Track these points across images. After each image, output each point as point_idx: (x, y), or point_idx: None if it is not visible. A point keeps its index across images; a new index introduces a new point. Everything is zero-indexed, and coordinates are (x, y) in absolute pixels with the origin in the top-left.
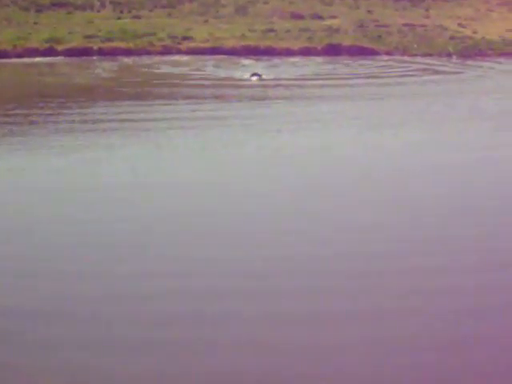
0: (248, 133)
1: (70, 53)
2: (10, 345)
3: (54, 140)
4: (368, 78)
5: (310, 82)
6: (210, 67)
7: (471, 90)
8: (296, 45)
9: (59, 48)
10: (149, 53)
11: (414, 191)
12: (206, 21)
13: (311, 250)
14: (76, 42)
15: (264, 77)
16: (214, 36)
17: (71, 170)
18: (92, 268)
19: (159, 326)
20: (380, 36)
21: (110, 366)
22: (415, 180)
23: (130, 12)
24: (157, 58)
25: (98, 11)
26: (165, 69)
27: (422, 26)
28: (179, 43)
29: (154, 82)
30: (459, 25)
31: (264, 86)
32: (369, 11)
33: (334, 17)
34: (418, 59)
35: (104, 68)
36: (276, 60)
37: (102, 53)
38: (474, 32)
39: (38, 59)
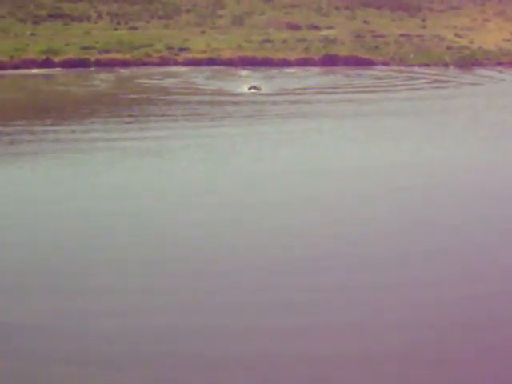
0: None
1: (67, 64)
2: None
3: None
4: (373, 90)
5: (314, 97)
6: (206, 79)
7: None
8: (293, 55)
9: (56, 59)
10: (146, 64)
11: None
12: (203, 32)
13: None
14: (73, 54)
15: (263, 90)
16: (210, 47)
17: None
18: None
19: None
20: (377, 46)
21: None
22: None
23: (126, 23)
24: (154, 70)
25: (95, 22)
26: (160, 81)
27: (419, 36)
28: (176, 54)
29: (148, 96)
30: (456, 35)
31: (263, 102)
32: (365, 21)
33: (330, 27)
34: (425, 70)
35: (102, 79)
36: (274, 71)
37: (99, 64)
38: (471, 42)
39: (35, 71)
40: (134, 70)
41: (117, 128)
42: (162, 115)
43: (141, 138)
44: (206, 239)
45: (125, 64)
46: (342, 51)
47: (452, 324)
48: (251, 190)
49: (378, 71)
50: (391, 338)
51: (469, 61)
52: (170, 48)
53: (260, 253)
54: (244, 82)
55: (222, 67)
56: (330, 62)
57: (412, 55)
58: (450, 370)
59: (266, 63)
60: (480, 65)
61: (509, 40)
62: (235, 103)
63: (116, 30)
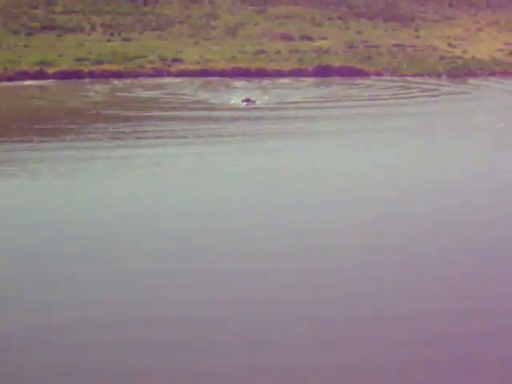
0: None
1: (61, 75)
2: None
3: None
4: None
5: (312, 112)
6: (199, 91)
7: None
8: (286, 66)
9: (50, 71)
10: (139, 75)
11: None
12: (197, 43)
13: None
14: (66, 65)
15: (257, 102)
16: (204, 58)
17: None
18: None
19: None
20: (370, 56)
21: None
22: None
23: (120, 35)
24: (147, 81)
25: (89, 34)
26: (151, 93)
27: (412, 46)
28: (169, 65)
29: (138, 112)
30: (449, 45)
31: (257, 118)
32: (358, 32)
33: (323, 38)
34: (426, 80)
35: (97, 91)
36: (268, 82)
37: (92, 75)
38: (464, 52)
39: (28, 82)
40: (128, 81)
41: (96, 146)
42: (146, 132)
43: (104, 157)
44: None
45: (118, 75)
46: (336, 62)
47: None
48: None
49: (373, 81)
50: None
51: (462, 71)
52: (163, 59)
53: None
54: (238, 94)
55: (215, 78)
56: (323, 72)
57: (405, 65)
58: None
59: (260, 74)
60: (473, 75)
61: (502, 50)
62: (227, 120)
63: (109, 41)
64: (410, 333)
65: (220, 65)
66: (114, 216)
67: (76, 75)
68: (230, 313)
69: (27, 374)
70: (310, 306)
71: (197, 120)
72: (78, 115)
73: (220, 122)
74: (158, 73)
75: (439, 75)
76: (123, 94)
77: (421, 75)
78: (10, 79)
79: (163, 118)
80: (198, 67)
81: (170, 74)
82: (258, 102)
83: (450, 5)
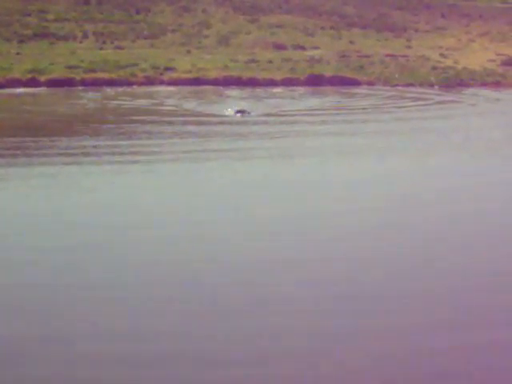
0: None
1: (53, 83)
2: None
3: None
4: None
5: (311, 127)
6: (191, 100)
7: None
8: (278, 75)
9: (42, 79)
10: (131, 83)
11: None
12: (189, 51)
13: None
14: (58, 73)
15: (251, 113)
16: (196, 66)
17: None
18: None
19: None
20: (362, 66)
21: None
22: None
23: (112, 43)
24: (139, 90)
25: (81, 42)
26: (143, 102)
27: (404, 56)
28: (162, 74)
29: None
30: (441, 55)
31: (252, 133)
32: (351, 42)
33: (316, 47)
34: (428, 91)
35: (89, 99)
36: (261, 91)
37: (84, 83)
38: (456, 62)
39: (20, 90)
40: (119, 89)
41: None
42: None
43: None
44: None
45: (110, 83)
46: (328, 71)
47: None
48: None
49: (368, 90)
50: None
51: (454, 81)
52: (155, 67)
53: None
54: (231, 104)
55: (208, 87)
56: (315, 81)
57: (397, 75)
58: None
59: (252, 83)
60: (465, 85)
61: (493, 60)
62: (219, 134)
63: (101, 49)
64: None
65: (212, 73)
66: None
67: (68, 83)
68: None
69: None
70: None
71: (184, 134)
72: (46, 128)
73: (210, 137)
74: (150, 81)
75: (431, 85)
76: (121, 102)
77: (413, 85)
78: (2, 87)
79: (160, 131)
80: (190, 76)
81: (162, 83)
82: (252, 113)
83: (442, 15)
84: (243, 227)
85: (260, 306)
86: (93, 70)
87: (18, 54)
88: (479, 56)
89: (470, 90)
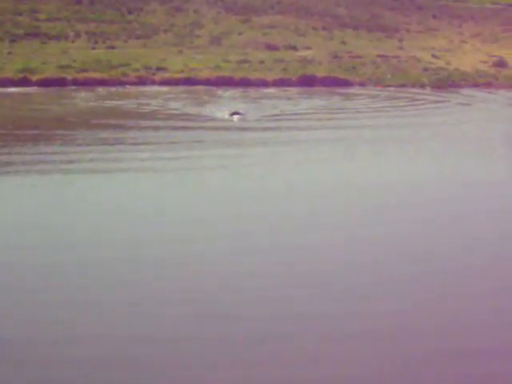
0: None
1: (44, 83)
2: None
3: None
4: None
5: (315, 134)
6: (184, 101)
7: None
8: (270, 76)
9: (33, 78)
10: (123, 83)
11: None
12: (181, 51)
13: None
14: (50, 73)
15: (246, 116)
16: (188, 66)
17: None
18: None
19: None
20: (354, 67)
21: None
22: None
23: (104, 42)
24: (131, 90)
25: (73, 41)
26: (133, 102)
27: (396, 57)
28: (154, 74)
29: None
30: (433, 56)
31: (249, 141)
32: (343, 42)
33: (308, 48)
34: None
35: (82, 98)
36: (254, 91)
37: (76, 83)
38: (448, 63)
39: (11, 89)
40: (112, 89)
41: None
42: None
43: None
44: None
45: (102, 83)
46: (320, 72)
47: None
48: None
49: (362, 90)
50: None
51: (445, 82)
52: (147, 67)
53: None
54: (224, 105)
55: (199, 87)
56: (307, 82)
57: (389, 76)
58: None
59: (244, 83)
60: (456, 86)
61: (485, 62)
62: (214, 142)
63: (93, 49)
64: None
65: (204, 73)
66: None
67: (60, 83)
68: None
69: None
70: None
71: (179, 142)
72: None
73: (205, 144)
74: (141, 81)
75: (423, 86)
76: (114, 102)
77: (405, 86)
78: None
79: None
80: (181, 76)
81: (154, 83)
82: (246, 115)
83: (434, 16)
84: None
85: None
86: (85, 70)
87: (9, 53)
88: (471, 57)
89: (481, 94)
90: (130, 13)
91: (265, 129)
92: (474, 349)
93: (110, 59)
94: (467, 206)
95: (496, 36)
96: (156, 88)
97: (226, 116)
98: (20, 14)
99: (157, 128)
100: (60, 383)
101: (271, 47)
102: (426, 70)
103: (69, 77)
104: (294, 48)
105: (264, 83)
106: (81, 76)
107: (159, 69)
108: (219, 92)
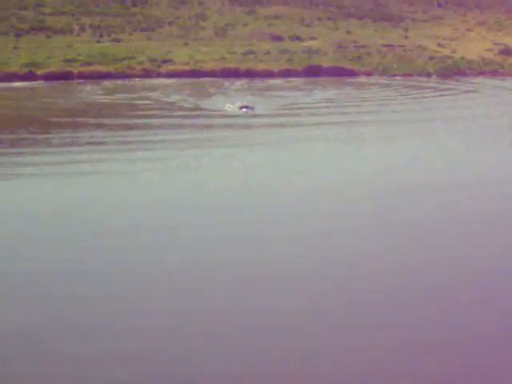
0: None
1: (50, 77)
2: None
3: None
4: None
5: (332, 129)
6: (191, 95)
7: None
8: (276, 66)
9: (39, 72)
10: (129, 76)
11: None
12: (186, 44)
13: None
14: (56, 66)
15: (257, 110)
16: (193, 59)
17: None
18: None
19: None
20: (359, 57)
21: None
22: None
23: (109, 36)
24: (137, 82)
25: (78, 35)
26: (140, 95)
27: (402, 46)
28: (159, 66)
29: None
30: (438, 45)
31: (262, 142)
32: (348, 32)
33: (313, 38)
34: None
35: (89, 91)
36: (261, 83)
37: (81, 76)
38: (453, 51)
39: (17, 84)
40: (118, 82)
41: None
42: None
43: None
44: None
45: (108, 76)
46: (325, 62)
47: None
48: None
49: (368, 79)
50: None
51: (451, 70)
52: (152, 60)
53: None
54: (233, 97)
55: (206, 79)
56: (313, 72)
57: (395, 65)
58: None
59: (249, 74)
60: (462, 74)
61: (491, 50)
62: (222, 141)
63: (99, 42)
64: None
65: (209, 65)
66: None
67: (65, 76)
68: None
69: None
70: None
71: (184, 140)
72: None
73: (225, 146)
74: (147, 74)
75: (429, 75)
76: (120, 95)
77: (410, 75)
78: None
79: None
80: (187, 68)
81: (159, 75)
82: (256, 108)
83: (439, 5)
84: None
85: None
86: (90, 64)
87: (14, 47)
88: (476, 45)
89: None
90: (134, 5)
91: (282, 125)
92: None
93: (115, 52)
94: None
95: (501, 24)
96: (162, 80)
97: (232, 109)
98: (25, 9)
99: (166, 125)
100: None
101: (276, 38)
102: (431, 58)
103: (74, 70)
104: (299, 38)
105: (270, 74)
106: (86, 69)
107: (165, 61)
108: (226, 84)
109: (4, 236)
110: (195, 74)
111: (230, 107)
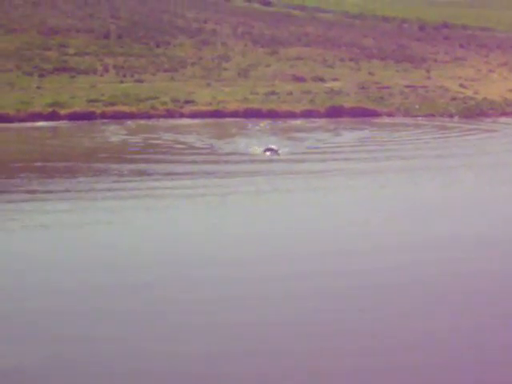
0: None
1: (73, 117)
2: None
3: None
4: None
5: (372, 179)
6: (213, 137)
7: None
8: (298, 107)
9: (62, 112)
10: (152, 116)
11: None
12: (209, 84)
13: None
14: (79, 106)
15: (281, 153)
16: (216, 99)
17: None
18: None
19: None
20: (382, 97)
21: None
22: None
23: (132, 76)
24: (160, 123)
25: (101, 75)
26: (161, 136)
27: (424, 87)
28: (182, 107)
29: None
30: (460, 85)
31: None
32: (370, 73)
33: (335, 79)
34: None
35: (112, 132)
36: (284, 124)
37: (105, 117)
38: (476, 92)
39: (40, 123)
40: (141, 122)
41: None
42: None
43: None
44: None
45: (131, 116)
46: (348, 103)
47: None
48: None
49: (391, 120)
50: None
51: (474, 111)
52: (175, 100)
53: None
54: (256, 138)
55: (227, 120)
56: (335, 113)
57: (417, 106)
58: None
59: (272, 115)
60: (485, 115)
61: None
62: (244, 194)
63: (122, 82)
64: None
65: (232, 106)
66: None
67: (88, 116)
68: None
69: None
70: None
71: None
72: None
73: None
74: (170, 114)
75: (451, 116)
76: (144, 135)
77: (433, 115)
78: (22, 120)
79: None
80: (210, 108)
81: (182, 116)
82: (280, 151)
83: (461, 46)
84: None
85: None
86: (113, 104)
87: (38, 87)
88: (499, 86)
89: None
90: (157, 46)
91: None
92: None
93: (138, 92)
94: None
95: None
96: (185, 121)
97: (260, 152)
98: (49, 49)
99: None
100: None
101: (298, 79)
102: (454, 99)
103: (98, 110)
104: (322, 79)
105: (292, 115)
106: (109, 110)
107: (187, 101)
108: (249, 125)
109: None
110: (218, 114)
111: (256, 149)
